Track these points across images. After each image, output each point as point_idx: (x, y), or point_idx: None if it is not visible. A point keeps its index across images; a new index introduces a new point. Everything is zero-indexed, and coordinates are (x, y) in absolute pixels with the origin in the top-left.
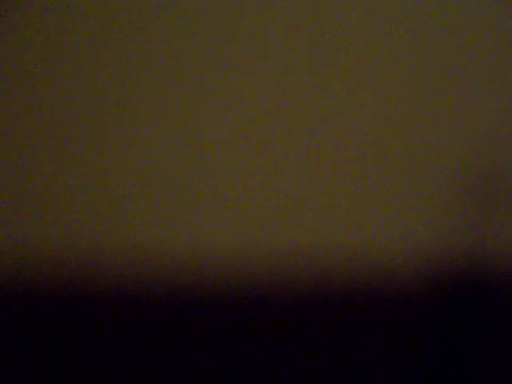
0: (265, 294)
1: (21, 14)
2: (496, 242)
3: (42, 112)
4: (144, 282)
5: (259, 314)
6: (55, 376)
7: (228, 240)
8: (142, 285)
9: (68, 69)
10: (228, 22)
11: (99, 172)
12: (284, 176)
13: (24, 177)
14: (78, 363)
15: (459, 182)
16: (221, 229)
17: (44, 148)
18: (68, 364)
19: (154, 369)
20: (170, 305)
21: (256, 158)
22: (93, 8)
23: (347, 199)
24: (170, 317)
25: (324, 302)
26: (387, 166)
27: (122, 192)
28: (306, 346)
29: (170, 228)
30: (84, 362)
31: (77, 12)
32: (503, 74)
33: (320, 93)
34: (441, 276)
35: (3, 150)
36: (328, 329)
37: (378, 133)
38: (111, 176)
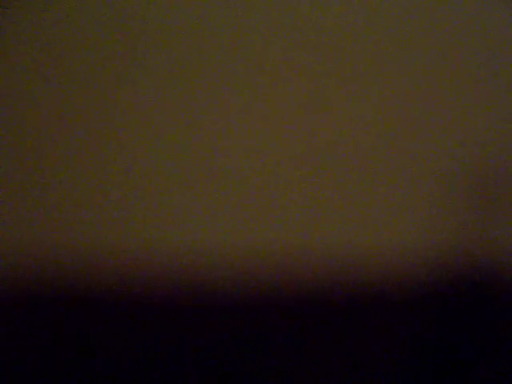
0: (265, 294)
1: (20, 14)
2: (497, 243)
3: (42, 112)
4: (144, 282)
5: (259, 315)
6: (55, 376)
7: (228, 241)
8: (143, 285)
9: (69, 70)
10: (228, 24)
11: (99, 173)
12: (284, 178)
13: (23, 177)
14: (78, 363)
15: (460, 184)
16: (221, 230)
17: (44, 148)
18: (68, 364)
19: (154, 369)
20: (170, 305)
21: (256, 159)
22: (96, 9)
23: (349, 201)
24: (170, 317)
25: (324, 302)
26: (388, 167)
27: (123, 192)
28: (307, 346)
29: (171, 228)
30: (84, 362)
31: (78, 11)
32: (503, 76)
33: (321, 94)
34: (441, 277)
35: (3, 150)
36: (327, 329)
37: (379, 135)
38: (112, 176)
